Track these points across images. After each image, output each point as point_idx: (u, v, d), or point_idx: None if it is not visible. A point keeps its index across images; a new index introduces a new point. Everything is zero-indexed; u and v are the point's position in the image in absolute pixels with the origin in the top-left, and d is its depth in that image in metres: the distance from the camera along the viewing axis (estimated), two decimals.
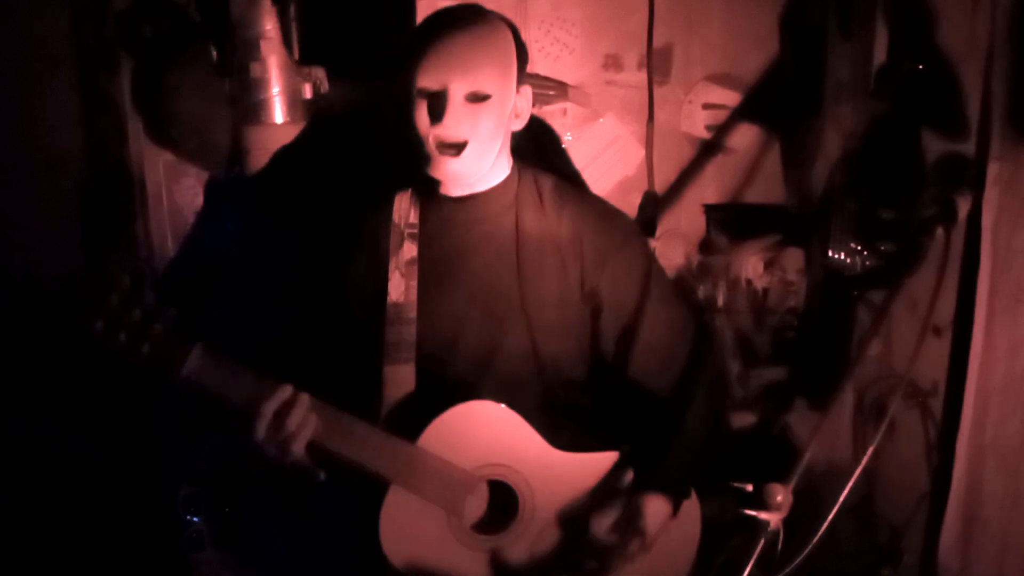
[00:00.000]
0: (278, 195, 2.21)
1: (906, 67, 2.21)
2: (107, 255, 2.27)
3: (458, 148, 1.62)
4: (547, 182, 1.78)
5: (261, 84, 2.12)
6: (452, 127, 1.60)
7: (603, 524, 1.65)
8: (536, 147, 1.80)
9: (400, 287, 1.71)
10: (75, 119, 2.23)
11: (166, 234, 2.34)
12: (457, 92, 1.59)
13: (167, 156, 2.30)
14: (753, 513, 1.43)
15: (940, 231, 1.75)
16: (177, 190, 2.33)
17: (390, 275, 1.72)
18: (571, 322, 1.74)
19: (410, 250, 1.73)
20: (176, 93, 2.16)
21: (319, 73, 2.23)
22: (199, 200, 2.34)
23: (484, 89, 1.60)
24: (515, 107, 1.68)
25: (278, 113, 2.15)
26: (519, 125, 1.73)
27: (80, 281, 1.57)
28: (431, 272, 1.72)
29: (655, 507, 1.66)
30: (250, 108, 2.14)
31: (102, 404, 2.33)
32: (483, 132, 1.63)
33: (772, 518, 1.41)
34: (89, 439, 2.35)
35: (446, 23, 1.63)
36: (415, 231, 1.75)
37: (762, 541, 1.41)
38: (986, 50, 1.98)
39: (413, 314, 1.70)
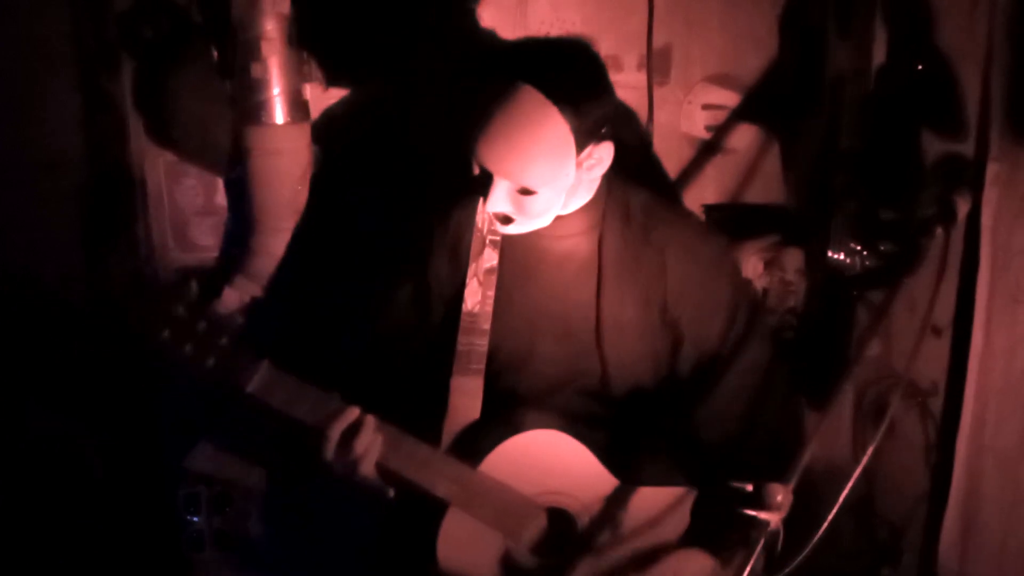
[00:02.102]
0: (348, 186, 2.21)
1: (906, 67, 2.21)
2: (107, 255, 2.27)
3: (506, 220, 1.58)
4: (638, 200, 1.69)
5: (262, 84, 2.12)
6: (497, 207, 1.54)
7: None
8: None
9: (476, 296, 1.66)
10: (76, 119, 2.23)
11: (166, 234, 2.35)
12: (501, 183, 1.52)
13: (167, 156, 2.31)
14: (753, 513, 1.43)
15: (939, 231, 1.75)
16: (178, 190, 2.33)
17: (468, 282, 1.66)
18: (649, 351, 1.67)
19: (490, 258, 1.67)
20: (177, 94, 2.15)
21: (318, 73, 2.23)
22: (199, 200, 2.34)
23: (531, 187, 1.51)
24: (586, 167, 1.56)
25: (279, 113, 2.15)
26: (597, 174, 1.60)
27: (147, 290, 1.51)
28: (509, 283, 1.67)
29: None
30: (251, 108, 2.14)
31: (103, 404, 2.33)
32: (532, 212, 1.56)
33: (772, 518, 1.41)
34: (89, 439, 2.35)
35: (504, 103, 1.47)
36: (498, 238, 1.68)
37: (762, 541, 1.41)
38: (986, 50, 1.98)
39: (487, 325, 1.64)
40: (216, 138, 2.19)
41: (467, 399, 1.64)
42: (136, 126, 2.27)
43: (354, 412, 1.55)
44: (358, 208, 2.23)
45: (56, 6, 2.18)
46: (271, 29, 2.09)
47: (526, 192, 1.52)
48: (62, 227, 2.26)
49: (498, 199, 1.53)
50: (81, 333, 2.25)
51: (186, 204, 2.34)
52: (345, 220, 2.24)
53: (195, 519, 2.28)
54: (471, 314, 1.65)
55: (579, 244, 1.66)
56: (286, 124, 2.16)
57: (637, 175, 1.77)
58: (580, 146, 1.51)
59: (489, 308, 1.65)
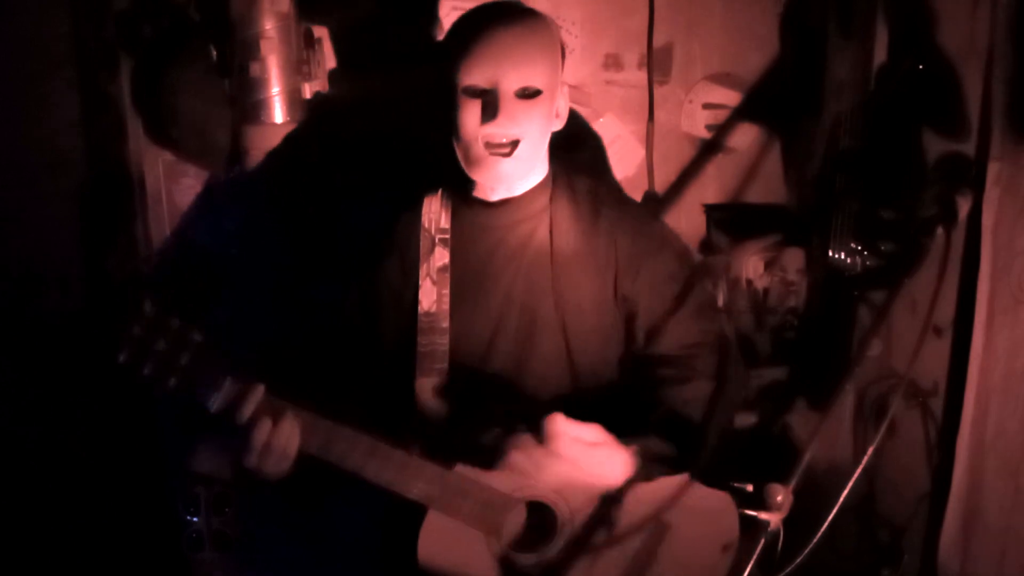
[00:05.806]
0: (281, 191, 2.19)
1: (906, 67, 2.20)
2: (107, 256, 2.27)
3: (510, 147, 1.58)
4: (582, 185, 1.74)
5: (260, 84, 2.12)
6: (505, 124, 1.56)
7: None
8: (572, 148, 1.79)
9: (432, 295, 1.67)
10: (75, 119, 2.23)
11: (166, 234, 2.34)
12: (508, 88, 1.55)
13: (167, 156, 2.30)
14: (753, 513, 1.43)
15: (940, 231, 1.75)
16: (177, 190, 2.33)
17: (421, 283, 1.67)
18: (606, 327, 1.70)
19: (442, 256, 1.69)
20: (176, 93, 2.15)
21: (319, 70, 2.23)
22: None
23: (535, 84, 1.57)
24: (556, 110, 1.65)
25: (278, 113, 2.15)
26: (559, 125, 1.69)
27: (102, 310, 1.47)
28: (464, 279, 1.68)
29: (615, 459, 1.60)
30: (250, 108, 2.14)
31: (102, 404, 2.33)
32: (535, 129, 1.59)
33: (772, 518, 1.41)
34: (89, 439, 2.35)
35: (491, 18, 1.58)
36: (447, 236, 1.69)
37: (762, 541, 1.41)
38: (986, 50, 1.98)
39: (446, 323, 1.65)
40: (215, 137, 2.19)
41: (433, 398, 1.65)
42: (135, 125, 2.26)
43: (259, 391, 1.48)
44: (324, 211, 2.22)
45: (55, 6, 2.18)
46: (270, 28, 2.09)
47: (531, 95, 1.56)
48: (62, 227, 2.25)
49: (506, 112, 1.55)
50: (80, 333, 2.25)
51: (185, 204, 2.34)
52: (310, 223, 2.22)
53: (195, 519, 2.28)
54: (428, 314, 1.66)
55: (532, 230, 1.68)
56: (285, 123, 2.16)
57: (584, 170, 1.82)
58: (561, 64, 1.63)
59: (446, 307, 1.66)
